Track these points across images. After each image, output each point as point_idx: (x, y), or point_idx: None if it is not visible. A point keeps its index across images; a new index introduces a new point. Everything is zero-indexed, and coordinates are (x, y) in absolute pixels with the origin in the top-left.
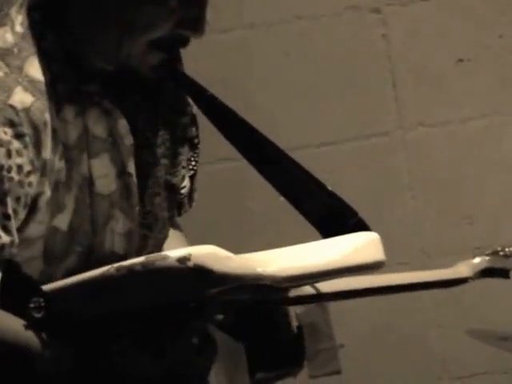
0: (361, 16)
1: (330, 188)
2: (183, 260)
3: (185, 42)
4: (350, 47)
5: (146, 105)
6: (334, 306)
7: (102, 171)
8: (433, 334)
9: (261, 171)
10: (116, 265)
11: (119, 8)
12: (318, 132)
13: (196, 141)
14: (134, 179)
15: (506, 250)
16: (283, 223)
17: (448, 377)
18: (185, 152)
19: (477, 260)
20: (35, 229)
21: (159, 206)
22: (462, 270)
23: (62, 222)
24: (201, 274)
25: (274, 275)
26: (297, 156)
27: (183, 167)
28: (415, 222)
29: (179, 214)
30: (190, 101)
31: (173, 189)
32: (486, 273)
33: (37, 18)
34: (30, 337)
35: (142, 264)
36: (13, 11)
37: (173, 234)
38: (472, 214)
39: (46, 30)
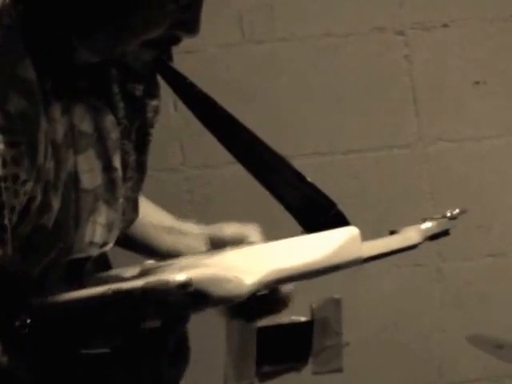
0: (386, 37)
1: (309, 180)
2: (184, 286)
3: (177, 41)
4: (375, 65)
5: (122, 92)
6: (347, 303)
7: (88, 166)
8: (434, 337)
9: (240, 160)
10: (114, 287)
11: (116, 11)
12: (345, 140)
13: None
14: (120, 173)
15: (454, 212)
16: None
17: (442, 382)
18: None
19: (424, 226)
20: (23, 229)
21: (131, 188)
22: (412, 236)
23: (48, 220)
24: (200, 299)
25: (258, 283)
26: (325, 161)
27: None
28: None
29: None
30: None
31: (143, 170)
32: (433, 237)
33: (23, 10)
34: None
35: (142, 289)
36: None
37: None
38: (488, 224)
39: (33, 25)
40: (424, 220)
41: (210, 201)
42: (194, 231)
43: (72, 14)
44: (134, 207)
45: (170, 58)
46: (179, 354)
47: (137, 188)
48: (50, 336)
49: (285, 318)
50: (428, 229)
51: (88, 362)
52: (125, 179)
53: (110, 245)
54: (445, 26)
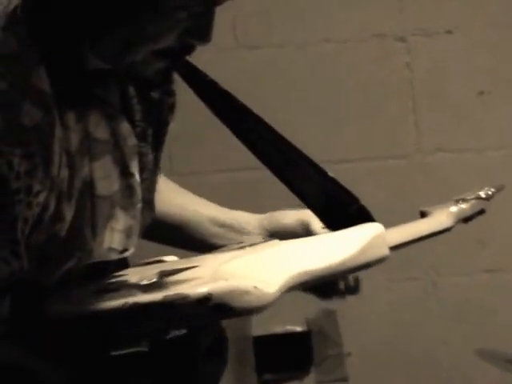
0: (386, 44)
1: (331, 174)
2: (204, 301)
3: (190, 50)
4: (375, 72)
5: (140, 95)
6: (344, 317)
7: (104, 173)
8: (440, 349)
9: (260, 158)
10: (131, 301)
11: (125, 19)
12: (339, 149)
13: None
14: (137, 179)
15: (489, 192)
16: None
17: None
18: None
19: (457, 208)
20: (36, 238)
21: (147, 189)
22: (443, 219)
23: (62, 229)
24: (220, 313)
25: (284, 288)
26: None
27: None
28: (428, 242)
29: None
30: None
31: (157, 168)
32: (465, 219)
33: (38, 19)
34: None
35: (161, 303)
36: (11, 9)
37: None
38: (484, 239)
39: (47, 34)
40: (456, 201)
41: None
42: (247, 227)
43: (82, 22)
44: (151, 208)
45: (185, 63)
46: (215, 352)
47: (153, 188)
48: (72, 342)
49: (279, 327)
50: (461, 211)
51: (119, 361)
52: (142, 182)
53: (131, 251)
54: (448, 32)
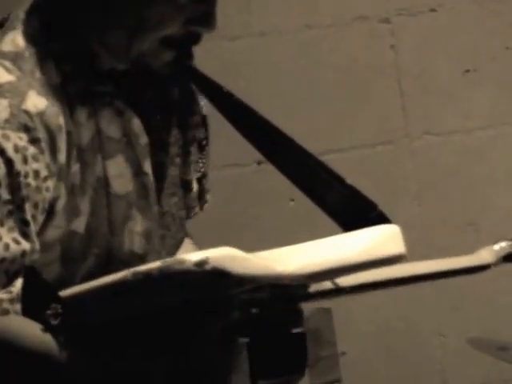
0: (370, 26)
1: (348, 181)
2: (201, 264)
3: (197, 39)
4: (359, 57)
5: (158, 104)
6: (335, 314)
7: (118, 171)
8: (434, 342)
9: (278, 166)
10: (132, 270)
11: (128, 6)
12: (325, 139)
13: (204, 142)
14: (151, 178)
15: None
16: (291, 229)
17: None
18: (195, 151)
19: (497, 246)
20: (53, 233)
21: (176, 205)
22: (484, 256)
23: (79, 225)
24: (219, 277)
25: (294, 273)
26: None
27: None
28: (421, 229)
29: (188, 217)
30: (201, 100)
31: (188, 187)
32: (507, 258)
33: (46, 18)
34: (48, 342)
35: (159, 269)
36: (22, 13)
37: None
38: (477, 221)
39: (56, 31)
40: (497, 241)
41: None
42: None
43: (86, 11)
44: (181, 225)
45: (191, 57)
46: (230, 343)
47: (182, 206)
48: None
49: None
50: (502, 249)
51: (135, 347)
52: (161, 190)
53: (153, 257)
54: (432, 10)
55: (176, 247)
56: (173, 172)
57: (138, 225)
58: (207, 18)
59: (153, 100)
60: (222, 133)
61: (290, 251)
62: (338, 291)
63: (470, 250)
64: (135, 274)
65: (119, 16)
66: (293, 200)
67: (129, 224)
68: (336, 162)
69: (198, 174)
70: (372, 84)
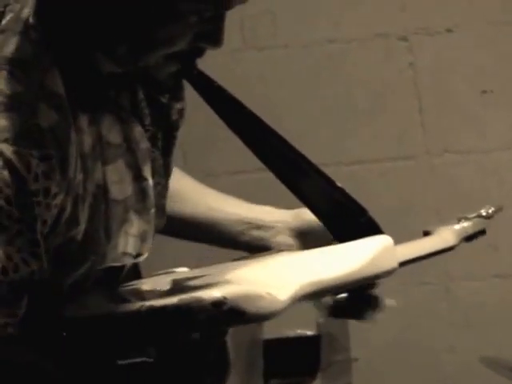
0: (389, 43)
1: (339, 184)
2: (219, 304)
3: (201, 53)
4: (379, 72)
5: (148, 98)
6: (350, 321)
7: (117, 177)
8: (446, 356)
9: (268, 166)
10: (147, 304)
11: (137, 24)
12: (349, 151)
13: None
14: (150, 182)
15: (489, 211)
16: None
17: None
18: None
19: (459, 226)
20: (52, 240)
21: (159, 195)
22: (447, 237)
23: (78, 233)
24: (234, 317)
25: (294, 297)
26: (328, 172)
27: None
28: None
29: None
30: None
31: (168, 173)
32: (468, 238)
33: (49, 22)
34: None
35: (176, 306)
36: (25, 14)
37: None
38: (496, 242)
39: (60, 36)
40: (459, 220)
41: None
42: (272, 224)
43: (95, 27)
44: (162, 213)
45: (195, 68)
46: (219, 364)
47: (164, 193)
48: (86, 346)
49: (291, 331)
50: (463, 229)
51: (126, 370)
52: (154, 186)
53: (145, 256)
54: (449, 30)
55: (156, 231)
56: (159, 162)
57: (133, 227)
58: (215, 36)
59: (144, 98)
60: (225, 139)
61: (288, 267)
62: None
63: (487, 266)
64: (149, 308)
65: (128, 32)
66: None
67: (124, 227)
68: (360, 173)
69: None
70: (392, 100)
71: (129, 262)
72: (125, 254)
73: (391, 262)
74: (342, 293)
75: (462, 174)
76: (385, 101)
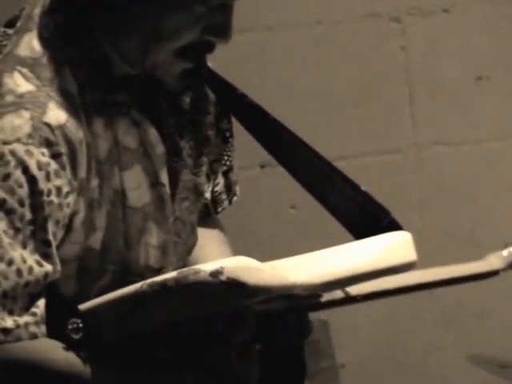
0: (381, 24)
1: (363, 188)
2: (216, 274)
3: (210, 48)
4: (368, 56)
5: (170, 107)
6: (335, 327)
7: (135, 183)
8: (433, 356)
9: (291, 171)
10: (148, 281)
11: (145, 15)
12: (331, 145)
13: (228, 134)
14: (167, 189)
15: None
16: (291, 235)
17: None
18: (211, 151)
19: (506, 252)
20: (70, 249)
21: (187, 210)
22: (493, 262)
23: (96, 240)
24: (234, 288)
25: (306, 283)
26: None
27: (214, 161)
28: (421, 242)
29: (216, 212)
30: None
31: (198, 191)
32: None
33: (60, 21)
34: (74, 361)
35: (175, 279)
36: (36, 13)
37: (212, 234)
38: (479, 237)
39: (71, 35)
40: (506, 245)
41: None
42: None
43: (103, 18)
44: (192, 230)
45: (205, 65)
46: (246, 356)
47: (194, 210)
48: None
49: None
50: (510, 254)
51: (152, 354)
52: (174, 196)
53: (169, 270)
54: (445, 11)
55: (187, 253)
56: (185, 176)
57: (153, 238)
58: (223, 28)
59: (164, 104)
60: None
61: (302, 260)
62: (350, 300)
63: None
64: (151, 285)
65: (135, 25)
66: (293, 207)
67: (144, 237)
68: (343, 169)
69: (224, 168)
70: (381, 86)
71: (151, 276)
72: (147, 267)
73: (410, 255)
74: (356, 284)
75: (450, 168)
76: (373, 88)
